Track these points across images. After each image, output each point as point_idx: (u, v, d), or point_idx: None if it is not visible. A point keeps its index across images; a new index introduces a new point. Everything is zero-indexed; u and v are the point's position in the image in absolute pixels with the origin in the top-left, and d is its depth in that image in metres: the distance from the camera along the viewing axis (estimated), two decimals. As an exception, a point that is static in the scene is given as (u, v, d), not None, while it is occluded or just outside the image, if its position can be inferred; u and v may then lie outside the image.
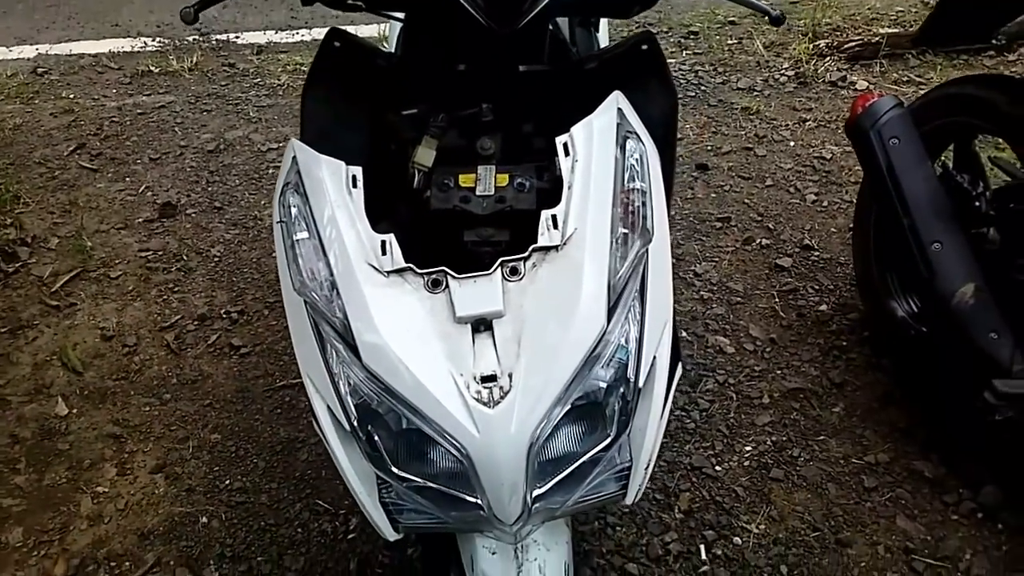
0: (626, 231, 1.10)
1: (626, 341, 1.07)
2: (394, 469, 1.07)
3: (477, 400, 1.00)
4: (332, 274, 1.09)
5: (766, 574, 1.87)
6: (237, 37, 4.46)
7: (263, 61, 4.18)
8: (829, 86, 3.67)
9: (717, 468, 2.09)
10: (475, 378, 1.01)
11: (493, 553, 1.19)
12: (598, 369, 1.05)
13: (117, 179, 3.29)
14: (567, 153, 1.15)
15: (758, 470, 2.09)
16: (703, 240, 2.83)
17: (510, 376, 1.01)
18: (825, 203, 2.97)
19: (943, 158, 2.22)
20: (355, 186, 1.15)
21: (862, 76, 3.71)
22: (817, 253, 2.75)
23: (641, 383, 1.09)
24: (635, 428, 1.11)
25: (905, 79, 3.65)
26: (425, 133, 1.33)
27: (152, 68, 4.11)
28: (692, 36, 4.18)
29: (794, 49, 3.93)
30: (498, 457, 0.99)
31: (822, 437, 2.16)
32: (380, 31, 4.01)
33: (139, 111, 3.75)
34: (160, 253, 2.88)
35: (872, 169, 2.01)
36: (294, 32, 4.50)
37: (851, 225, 2.53)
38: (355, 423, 1.07)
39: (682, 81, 3.77)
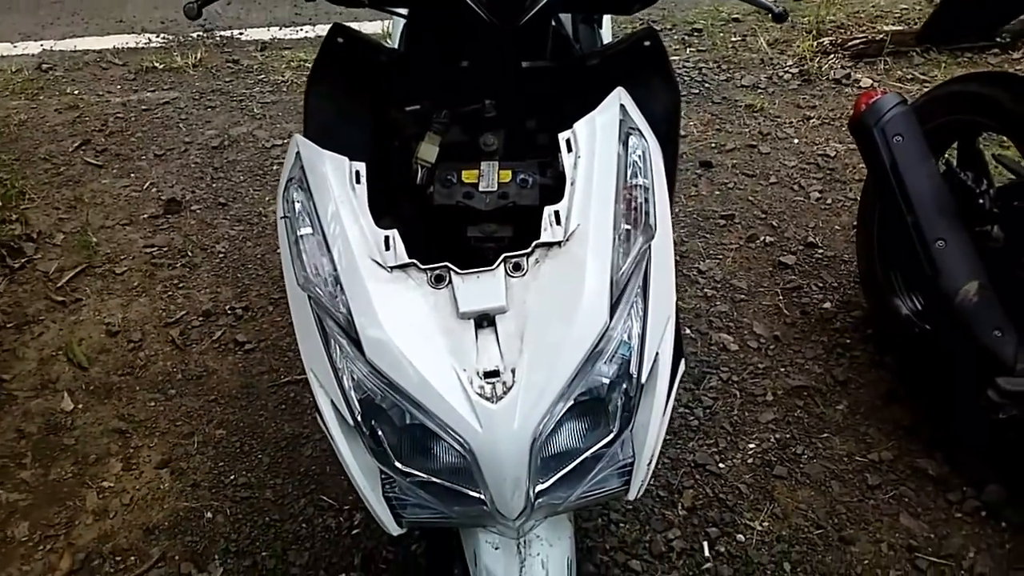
0: (629, 227, 1.10)
1: (629, 337, 1.07)
2: (398, 464, 1.07)
3: (480, 395, 1.00)
4: (336, 269, 1.09)
5: (769, 571, 1.87)
6: (241, 33, 4.47)
7: (267, 57, 4.19)
8: (833, 83, 3.67)
9: (721, 465, 2.10)
10: (478, 373, 1.01)
11: (496, 548, 1.19)
12: (601, 365, 1.05)
13: (122, 175, 3.29)
14: (570, 149, 1.15)
15: (762, 467, 2.09)
16: (707, 237, 2.83)
17: (513, 372, 1.01)
18: (829, 200, 2.97)
19: (947, 156, 2.21)
20: (358, 182, 1.15)
21: (866, 74, 3.71)
22: (821, 251, 2.75)
23: (644, 379, 1.09)
24: (638, 424, 1.11)
25: (909, 77, 3.64)
26: (428, 129, 1.33)
27: (156, 64, 4.12)
28: (696, 33, 4.18)
29: (798, 46, 3.93)
30: (501, 452, 1.00)
31: (826, 435, 2.16)
32: (384, 27, 4.02)
33: (144, 107, 3.76)
34: (165, 249, 2.89)
35: (876, 166, 2.01)
36: (298, 29, 4.51)
37: (855, 223, 2.53)
38: (359, 418, 1.07)
39: (686, 78, 3.76)
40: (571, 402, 1.03)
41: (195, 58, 4.13)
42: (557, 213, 1.10)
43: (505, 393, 1.00)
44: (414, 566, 1.87)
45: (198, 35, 4.45)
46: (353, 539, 1.95)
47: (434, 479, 1.07)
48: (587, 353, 1.02)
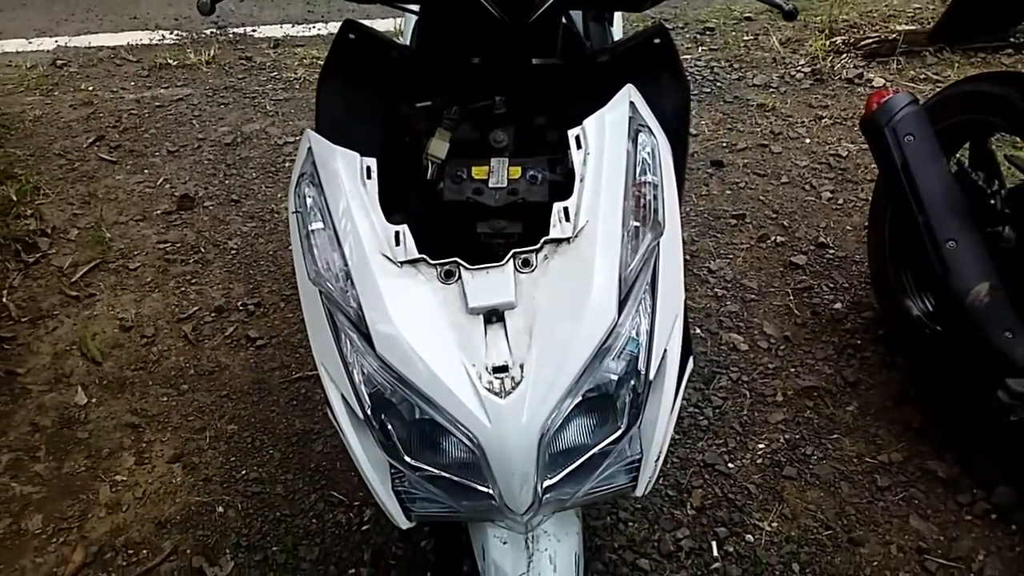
0: (637, 224, 1.11)
1: (637, 334, 1.08)
2: (407, 458, 1.08)
3: (489, 390, 1.01)
4: (347, 264, 1.10)
5: (778, 572, 1.87)
6: (254, 30, 4.49)
7: (280, 55, 4.21)
8: (845, 83, 3.65)
9: (730, 465, 2.10)
10: (487, 368, 1.02)
11: (504, 543, 1.20)
12: (609, 361, 1.06)
13: (136, 171, 3.32)
14: (579, 146, 1.16)
15: (771, 468, 2.09)
16: (717, 237, 2.83)
17: (521, 367, 1.02)
18: (840, 201, 2.96)
19: (959, 156, 2.20)
20: (369, 177, 1.16)
21: (879, 73, 3.69)
22: (832, 251, 2.75)
23: (652, 376, 1.09)
24: (646, 420, 1.12)
25: (922, 76, 3.63)
26: (439, 125, 1.34)
27: (170, 61, 4.14)
28: (708, 32, 4.17)
29: (810, 46, 3.91)
30: (509, 447, 1.00)
31: (836, 436, 2.16)
32: (395, 25, 4.03)
33: (157, 104, 3.78)
34: (178, 245, 2.91)
35: (887, 166, 2.00)
36: (311, 26, 4.52)
37: (866, 223, 2.52)
38: (369, 412, 1.08)
39: (697, 77, 3.76)
40: (579, 398, 1.03)
41: (208, 55, 4.15)
42: (566, 209, 1.10)
43: (514, 388, 1.01)
44: (423, 562, 1.87)
45: (211, 32, 4.47)
46: (363, 535, 1.96)
47: (443, 473, 1.08)
48: (595, 349, 1.03)
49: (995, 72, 2.28)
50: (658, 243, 1.12)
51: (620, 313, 1.05)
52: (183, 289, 2.72)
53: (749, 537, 1.93)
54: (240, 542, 1.96)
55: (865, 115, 2.06)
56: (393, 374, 1.04)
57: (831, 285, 2.61)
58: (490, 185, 1.26)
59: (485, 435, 1.00)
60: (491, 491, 1.05)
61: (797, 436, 2.16)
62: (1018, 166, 2.08)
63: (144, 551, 1.96)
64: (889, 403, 2.22)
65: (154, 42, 4.42)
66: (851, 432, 2.16)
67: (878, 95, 2.03)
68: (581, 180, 1.13)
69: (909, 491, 2.01)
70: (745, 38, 4.10)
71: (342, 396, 1.11)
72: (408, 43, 2.01)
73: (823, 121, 3.41)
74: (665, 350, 1.11)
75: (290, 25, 4.54)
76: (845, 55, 3.82)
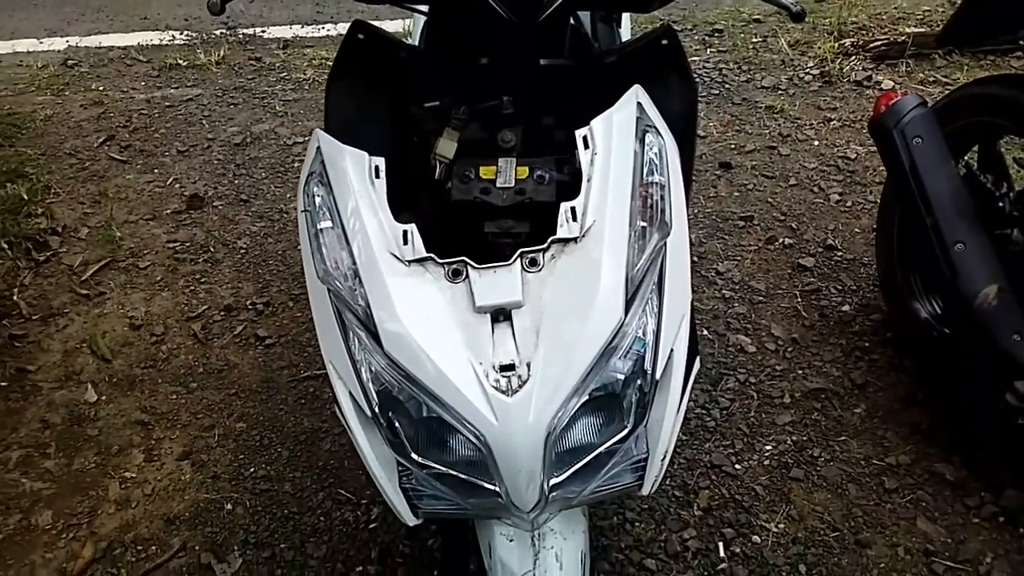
0: (644, 224, 1.11)
1: (643, 333, 1.08)
2: (414, 456, 1.09)
3: (496, 388, 1.01)
4: (355, 263, 1.10)
5: (784, 573, 1.87)
6: (263, 31, 4.51)
7: (289, 55, 4.22)
8: (854, 85, 3.65)
9: (737, 466, 2.10)
10: (494, 367, 1.02)
11: (511, 540, 1.20)
12: (615, 361, 1.06)
13: (146, 171, 3.33)
14: (586, 146, 1.16)
15: (778, 469, 2.09)
16: (725, 239, 2.83)
17: (528, 365, 1.02)
18: (849, 203, 2.96)
19: (967, 158, 2.20)
20: (378, 176, 1.16)
21: (888, 76, 3.68)
22: (840, 253, 2.74)
23: (658, 375, 1.10)
24: (652, 420, 1.12)
25: (931, 79, 3.62)
26: (447, 125, 1.35)
27: (180, 61, 4.16)
28: (716, 34, 4.17)
29: (819, 48, 3.91)
30: (516, 445, 1.01)
31: (843, 438, 2.16)
32: (404, 27, 4.04)
33: (167, 104, 3.80)
34: (187, 244, 2.92)
35: (895, 168, 2.00)
36: (320, 27, 4.54)
37: (875, 225, 2.52)
38: (376, 409, 1.09)
39: (706, 79, 3.76)
40: (586, 397, 1.04)
41: (218, 55, 4.17)
42: (573, 209, 1.11)
43: (520, 387, 1.01)
44: (430, 560, 1.88)
45: (221, 33, 4.49)
46: (370, 533, 1.97)
47: (450, 471, 1.08)
48: (602, 348, 1.03)
49: (1004, 75, 2.28)
50: (665, 243, 1.12)
51: (627, 313, 1.06)
52: (192, 288, 2.74)
53: (756, 538, 1.93)
54: (248, 539, 1.97)
55: (873, 117, 2.05)
56: (401, 372, 1.05)
57: (839, 287, 2.61)
58: (498, 185, 1.27)
59: (492, 433, 1.01)
60: (498, 489, 1.06)
61: (804, 438, 2.16)
62: (1028, 169, 2.08)
63: (153, 547, 1.97)
64: (897, 405, 2.22)
65: (164, 42, 4.44)
66: (859, 434, 2.16)
67: (887, 97, 2.03)
68: (588, 180, 1.13)
69: (917, 493, 2.01)
70: (754, 40, 4.09)
71: (350, 394, 1.12)
72: (417, 44, 2.02)
73: (832, 123, 3.40)
74: (672, 350, 1.12)
75: (299, 26, 4.56)
76: (854, 57, 3.82)
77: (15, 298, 2.69)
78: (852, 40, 3.91)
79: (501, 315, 1.05)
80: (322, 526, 1.99)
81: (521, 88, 1.39)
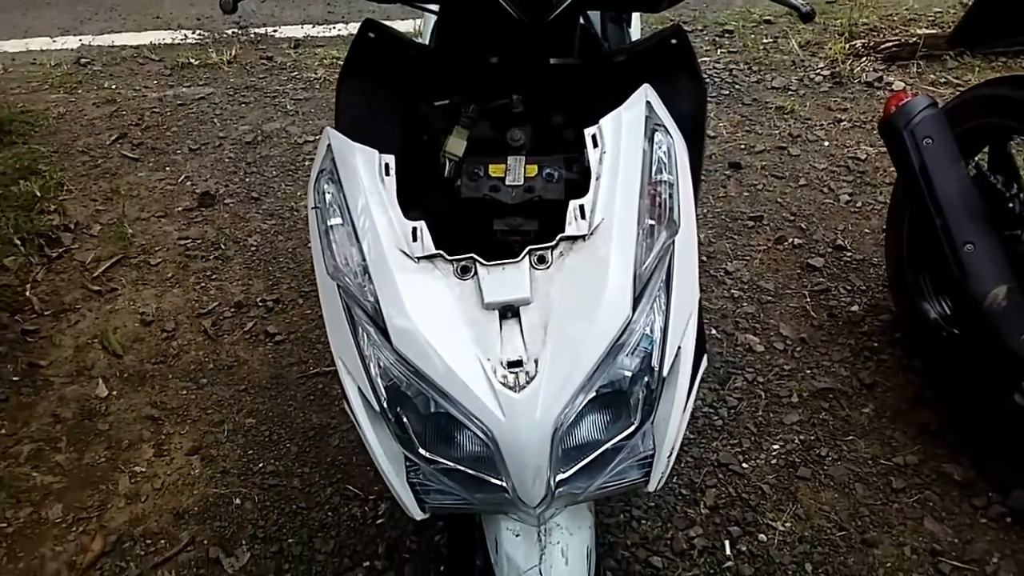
0: (653, 222, 1.11)
1: (651, 331, 1.08)
2: (422, 451, 1.09)
3: (503, 384, 1.02)
4: (364, 259, 1.11)
5: (790, 571, 1.87)
6: (275, 31, 4.53)
7: (300, 55, 4.24)
8: (865, 86, 3.64)
9: (744, 465, 2.10)
10: (502, 363, 1.03)
11: (517, 535, 1.21)
12: (623, 358, 1.06)
13: (157, 168, 3.35)
14: (595, 145, 1.17)
15: (785, 468, 2.09)
16: (735, 239, 2.83)
17: (536, 362, 1.03)
18: (859, 204, 2.96)
19: (977, 159, 2.20)
20: (388, 174, 1.17)
21: (899, 77, 3.68)
22: (850, 254, 2.74)
23: (665, 372, 1.10)
24: (659, 417, 1.13)
25: (942, 80, 3.61)
26: (457, 123, 1.35)
27: (192, 60, 4.18)
28: (727, 34, 4.17)
29: (830, 49, 3.90)
30: (523, 441, 1.02)
31: (851, 437, 2.16)
32: (415, 27, 4.05)
33: (179, 102, 3.82)
34: (199, 241, 2.94)
35: (905, 169, 2.00)
36: (331, 26, 4.55)
37: (884, 226, 2.52)
38: (385, 405, 1.09)
39: (716, 80, 3.76)
40: (593, 393, 1.04)
41: (230, 55, 4.19)
42: (582, 207, 1.11)
43: (528, 383, 1.02)
44: (437, 556, 1.89)
45: (233, 32, 4.51)
46: (378, 528, 1.98)
47: (457, 466, 1.09)
48: (609, 346, 1.04)
49: (1014, 76, 2.27)
50: (673, 241, 1.12)
51: (634, 310, 1.06)
52: (203, 285, 2.75)
53: (762, 537, 1.94)
54: (256, 534, 1.99)
55: (884, 118, 2.05)
56: (409, 368, 1.06)
57: (848, 287, 2.61)
58: (507, 183, 1.28)
59: (499, 429, 1.02)
60: (504, 484, 1.06)
61: (812, 437, 2.16)
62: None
63: (162, 541, 1.99)
64: (905, 405, 2.22)
65: (176, 41, 4.47)
66: (866, 434, 2.16)
67: (897, 98, 2.03)
68: (597, 178, 1.14)
69: (924, 493, 2.01)
70: (764, 41, 4.09)
71: (359, 389, 1.13)
72: (427, 43, 2.03)
73: (842, 124, 3.40)
74: (679, 347, 1.12)
75: (311, 25, 4.58)
76: (865, 58, 3.81)
77: (28, 294, 2.71)
78: (863, 41, 3.90)
79: (509, 312, 1.06)
80: (330, 521, 2.00)
81: (531, 87, 1.39)
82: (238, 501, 2.07)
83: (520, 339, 1.04)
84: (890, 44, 3.80)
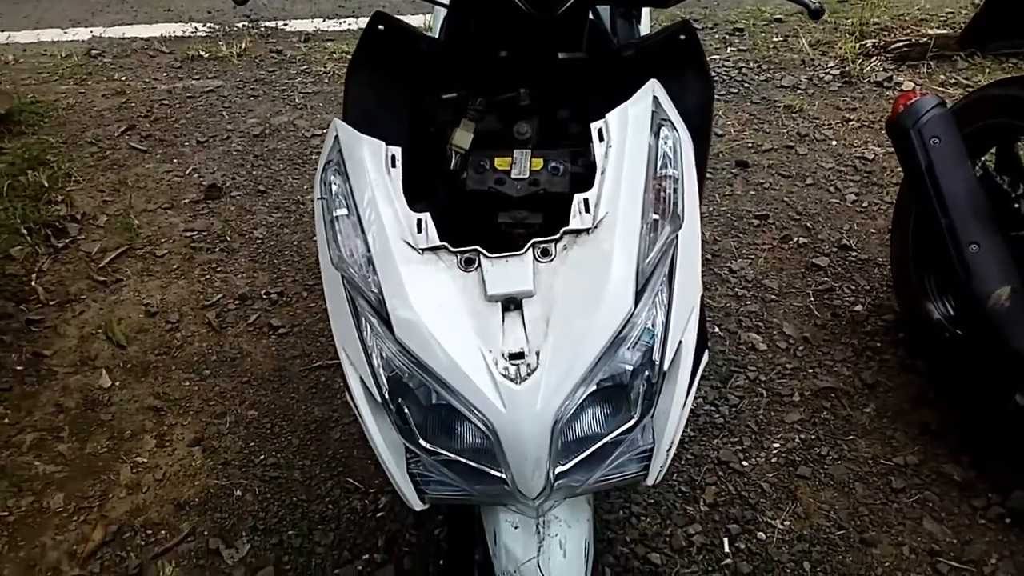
0: (657, 217, 1.12)
1: (653, 325, 1.09)
2: (422, 442, 1.10)
3: (505, 376, 1.02)
4: (369, 250, 1.12)
5: (789, 569, 1.87)
6: (285, 24, 4.53)
7: (310, 49, 4.24)
8: (874, 86, 3.63)
9: (744, 463, 2.10)
10: (503, 355, 1.03)
11: (516, 527, 1.21)
12: (624, 351, 1.07)
13: (165, 160, 3.36)
14: (601, 139, 1.17)
15: (785, 467, 2.09)
16: (740, 237, 2.83)
17: (537, 354, 1.03)
18: (865, 204, 2.95)
19: (984, 159, 2.19)
20: (394, 166, 1.17)
21: (908, 77, 3.66)
22: (855, 253, 2.74)
23: (666, 367, 1.11)
24: (659, 411, 1.13)
25: (952, 81, 3.60)
26: (464, 116, 1.35)
27: (202, 53, 4.19)
28: (737, 33, 4.16)
29: (840, 48, 3.89)
30: (523, 432, 1.02)
31: (851, 437, 2.16)
32: (425, 22, 4.05)
33: (188, 95, 3.83)
34: (204, 233, 2.95)
35: (911, 168, 2.00)
36: (341, 21, 4.56)
37: (890, 226, 2.51)
38: (386, 395, 1.10)
39: (725, 78, 3.75)
40: (593, 386, 1.05)
41: (240, 48, 4.20)
42: (586, 201, 1.11)
43: (529, 375, 1.02)
44: (436, 549, 1.89)
45: (243, 25, 4.52)
46: (378, 521, 1.98)
47: (457, 458, 1.09)
48: (611, 339, 1.04)
49: (1021, 76, 2.26)
50: (676, 236, 1.13)
51: (636, 304, 1.07)
52: (208, 277, 2.76)
53: (761, 535, 1.94)
54: (257, 525, 1.99)
55: (891, 117, 2.05)
56: (411, 358, 1.06)
57: (852, 287, 2.60)
58: (512, 176, 1.28)
59: (500, 420, 1.02)
60: (504, 476, 1.07)
61: (813, 436, 2.16)
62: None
63: (162, 531, 2.00)
64: (907, 406, 2.22)
65: (187, 34, 4.48)
66: (867, 434, 2.16)
67: (905, 97, 2.02)
68: (602, 172, 1.14)
69: (924, 494, 2.01)
70: (774, 39, 4.08)
71: (361, 379, 1.13)
72: (437, 36, 2.04)
73: (850, 124, 3.39)
74: (680, 342, 1.12)
75: (321, 20, 4.58)
76: (875, 58, 3.80)
77: (33, 283, 2.72)
78: (873, 41, 3.89)
79: (512, 304, 1.06)
80: (330, 514, 2.01)
81: (538, 81, 1.39)
82: (239, 493, 2.07)
83: (522, 331, 1.05)
84: (900, 44, 3.79)
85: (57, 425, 2.26)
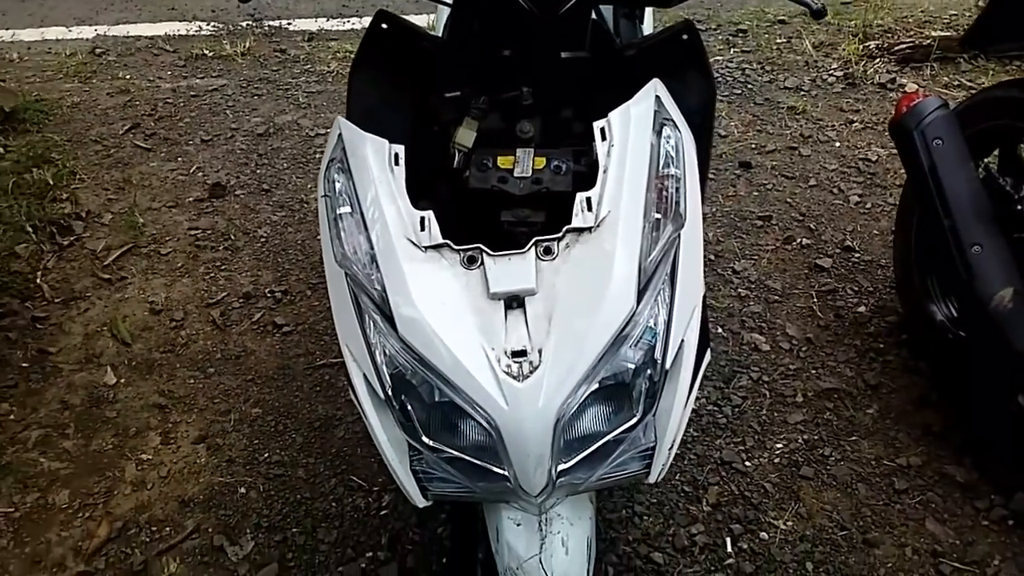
0: (659, 216, 1.12)
1: (655, 323, 1.09)
2: (425, 439, 1.11)
3: (507, 374, 1.03)
4: (372, 248, 1.12)
5: (791, 570, 1.88)
6: (289, 23, 4.54)
7: (314, 48, 4.25)
8: (878, 88, 3.63)
9: (747, 464, 2.10)
10: (506, 352, 1.04)
11: (518, 525, 1.21)
12: (626, 350, 1.07)
13: (169, 159, 3.37)
14: (604, 138, 1.17)
15: (788, 467, 2.09)
16: (743, 238, 2.83)
17: (540, 352, 1.04)
18: (868, 205, 2.95)
19: (987, 161, 2.19)
20: (397, 164, 1.18)
21: (912, 79, 3.66)
22: (858, 255, 2.74)
23: (668, 365, 1.11)
24: (661, 409, 1.13)
25: (956, 83, 3.60)
26: (467, 115, 1.36)
27: (206, 52, 4.20)
28: (740, 34, 4.16)
29: (844, 49, 3.89)
30: (525, 429, 1.02)
31: (854, 438, 2.16)
32: (428, 21, 4.06)
33: (192, 93, 3.84)
34: (209, 232, 2.95)
35: (914, 169, 2.00)
36: (345, 20, 4.56)
37: (893, 228, 2.52)
38: (390, 392, 1.11)
39: (728, 79, 3.75)
40: (595, 384, 1.05)
41: (244, 47, 4.20)
42: (589, 199, 1.12)
43: (531, 372, 1.03)
44: (439, 547, 1.90)
45: (247, 24, 4.53)
46: (381, 519, 1.99)
47: (460, 455, 1.10)
48: (613, 337, 1.05)
49: (1025, 79, 2.27)
50: (679, 235, 1.13)
51: (639, 302, 1.07)
52: (212, 275, 2.77)
53: (764, 535, 1.94)
54: (261, 523, 2.00)
55: (894, 118, 2.05)
56: (414, 356, 1.07)
57: (855, 288, 2.60)
58: (515, 174, 1.29)
59: (502, 417, 1.02)
60: (506, 473, 1.07)
61: (816, 437, 2.16)
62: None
63: (167, 528, 2.00)
64: (910, 407, 2.22)
65: (191, 33, 4.49)
66: (870, 435, 2.16)
67: (908, 98, 2.02)
68: (605, 171, 1.15)
69: (926, 495, 2.01)
70: (778, 41, 4.08)
71: (364, 377, 1.14)
72: (440, 35, 2.04)
73: (854, 125, 3.39)
74: (682, 341, 1.13)
75: (324, 19, 4.59)
76: (878, 60, 3.80)
77: (38, 281, 2.73)
78: (877, 43, 3.89)
79: (515, 302, 1.07)
80: (334, 512, 2.02)
81: (541, 80, 1.40)
82: (243, 490, 2.08)
83: (525, 329, 1.05)
84: (904, 46, 3.79)
85: (62, 422, 2.27)
